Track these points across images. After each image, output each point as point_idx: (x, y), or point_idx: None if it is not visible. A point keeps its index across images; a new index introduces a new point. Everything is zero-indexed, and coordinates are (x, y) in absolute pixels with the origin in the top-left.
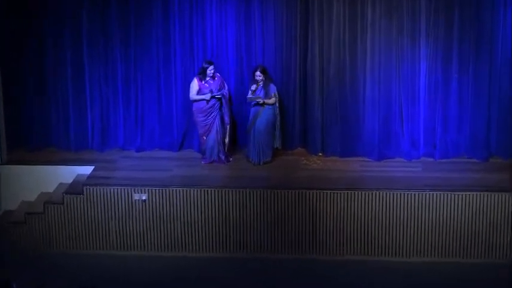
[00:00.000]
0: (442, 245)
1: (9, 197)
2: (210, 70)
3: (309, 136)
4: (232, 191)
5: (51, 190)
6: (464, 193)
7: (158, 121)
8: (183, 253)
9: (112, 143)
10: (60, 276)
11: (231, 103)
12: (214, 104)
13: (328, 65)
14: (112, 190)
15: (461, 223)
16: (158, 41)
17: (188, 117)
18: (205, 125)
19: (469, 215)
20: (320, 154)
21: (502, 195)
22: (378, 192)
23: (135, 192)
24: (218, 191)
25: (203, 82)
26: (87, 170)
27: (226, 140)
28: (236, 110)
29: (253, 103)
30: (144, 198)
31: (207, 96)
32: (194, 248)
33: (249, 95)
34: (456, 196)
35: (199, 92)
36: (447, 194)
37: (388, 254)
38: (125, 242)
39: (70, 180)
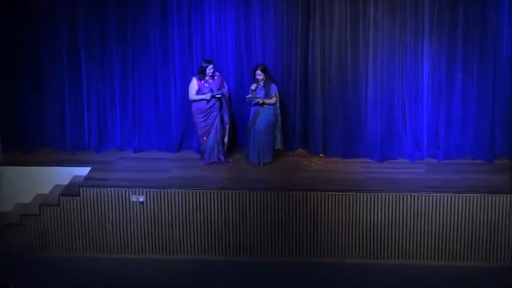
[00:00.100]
0: (445, 248)
1: (4, 199)
2: (210, 69)
3: (309, 136)
4: (231, 192)
5: (47, 192)
6: (468, 195)
7: (156, 121)
8: (182, 256)
9: (109, 144)
10: (56, 280)
11: (231, 102)
12: (214, 104)
13: (330, 64)
14: (109, 192)
15: (465, 225)
16: (156, 40)
17: (187, 117)
18: (206, 126)
19: (473, 217)
20: (321, 155)
21: (506, 197)
22: (380, 194)
23: (132, 194)
24: (217, 192)
25: (202, 82)
26: (84, 171)
27: (226, 139)
28: (236, 110)
29: (253, 102)
30: (141, 200)
31: (207, 96)
32: (193, 251)
33: (249, 95)
34: (460, 198)
35: (198, 92)
36: (451, 196)
37: (391, 257)
38: (122, 244)
39: (66, 182)
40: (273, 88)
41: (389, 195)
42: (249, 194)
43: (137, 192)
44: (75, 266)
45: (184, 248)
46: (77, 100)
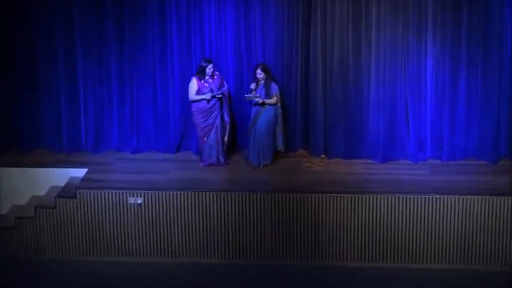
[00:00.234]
0: (449, 251)
1: None
2: (209, 69)
3: (311, 137)
4: (231, 194)
5: (42, 193)
6: (472, 197)
7: (154, 122)
8: (180, 259)
9: (106, 145)
10: (53, 284)
11: (231, 102)
12: (215, 104)
13: (331, 63)
14: (106, 194)
15: (469, 228)
16: (154, 39)
17: (186, 117)
18: (206, 126)
19: (477, 219)
20: (323, 156)
21: (511, 199)
22: (382, 196)
23: (130, 196)
24: (217, 194)
25: (202, 81)
26: (81, 172)
27: (226, 139)
28: (235, 110)
29: (253, 102)
30: (139, 202)
31: (208, 96)
32: (191, 254)
33: (248, 94)
34: (464, 200)
35: (198, 92)
36: (455, 198)
37: (394, 260)
38: (120, 247)
39: (63, 183)
40: (274, 88)
41: (391, 197)
42: (249, 196)
43: (135, 194)
44: (71, 269)
45: (182, 251)
46: (73, 100)
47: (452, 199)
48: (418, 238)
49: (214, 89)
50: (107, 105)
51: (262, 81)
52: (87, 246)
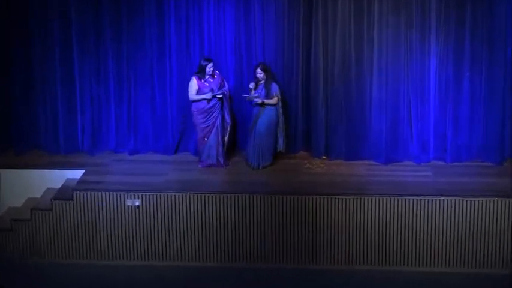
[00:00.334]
0: (453, 254)
1: None
2: (210, 68)
3: (312, 138)
4: (230, 196)
5: (38, 195)
6: (477, 199)
7: (152, 122)
8: (178, 262)
9: (103, 146)
10: (49, 287)
11: (231, 102)
12: (215, 104)
13: (333, 63)
14: (103, 195)
15: (474, 230)
16: (152, 38)
17: (184, 118)
18: (207, 126)
19: (482, 222)
20: (324, 157)
21: None
22: (385, 198)
23: (127, 198)
24: (216, 196)
25: (202, 81)
26: (77, 174)
27: (226, 140)
28: (236, 110)
29: (253, 102)
30: (137, 204)
31: (208, 96)
32: (189, 257)
33: (248, 93)
34: (468, 202)
35: (198, 92)
36: (459, 200)
37: (396, 263)
38: (117, 250)
39: (59, 185)
40: (274, 88)
41: (394, 199)
42: (249, 197)
43: (132, 196)
44: (68, 272)
45: (180, 254)
46: (70, 100)
47: (456, 201)
48: (421, 241)
49: (214, 88)
50: (104, 105)
51: (263, 81)
52: (83, 249)
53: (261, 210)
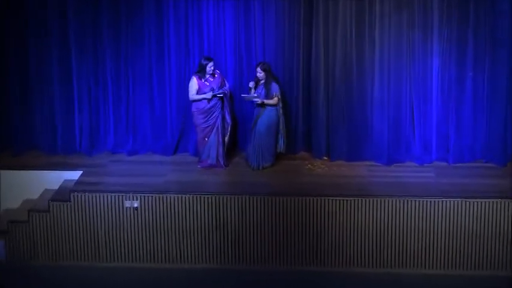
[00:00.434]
0: (456, 257)
1: None
2: (210, 67)
3: (313, 139)
4: (230, 197)
5: (35, 197)
6: (480, 200)
7: (151, 122)
8: (177, 265)
9: (101, 146)
10: None
11: (232, 102)
12: (216, 104)
13: (334, 63)
14: (101, 197)
15: (477, 232)
16: (151, 37)
17: (184, 118)
18: (207, 126)
19: (485, 223)
20: (325, 158)
21: None
22: (387, 199)
23: (126, 199)
24: (215, 197)
25: (203, 80)
26: (75, 175)
27: (226, 140)
28: (236, 110)
29: (254, 102)
30: (136, 205)
31: (209, 95)
32: (189, 259)
33: (248, 93)
34: (472, 204)
35: (199, 91)
36: (462, 202)
37: (398, 265)
38: (115, 252)
39: (56, 186)
40: (274, 88)
41: (396, 201)
42: (249, 199)
43: (131, 198)
44: (65, 275)
45: (179, 256)
46: (68, 100)
47: (459, 203)
48: (423, 243)
49: (215, 88)
50: (102, 105)
51: (263, 81)
52: (81, 251)
53: (261, 212)
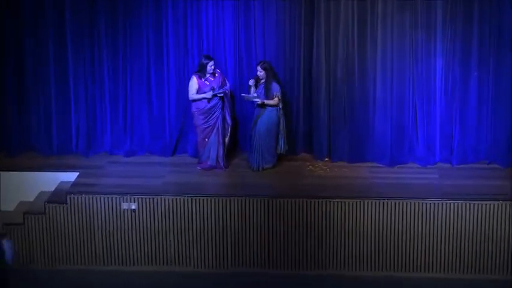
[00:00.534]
0: (460, 260)
1: None
2: (210, 66)
3: (314, 140)
4: (230, 199)
5: (31, 199)
6: (484, 202)
7: (149, 123)
8: (176, 268)
9: (98, 147)
10: None
11: (233, 102)
12: (216, 104)
13: (335, 63)
14: (98, 199)
15: (481, 235)
16: (149, 36)
17: (182, 118)
18: (207, 127)
19: (489, 226)
20: (326, 159)
21: None
22: (390, 202)
23: (123, 201)
24: (215, 199)
25: (203, 80)
26: (71, 176)
27: (227, 141)
28: (236, 111)
29: (254, 102)
30: (133, 207)
31: (209, 95)
32: (188, 262)
33: (248, 91)
34: (475, 206)
35: (199, 91)
36: (465, 204)
37: (401, 269)
38: (113, 256)
39: (52, 188)
40: (275, 88)
41: (399, 203)
42: (249, 201)
43: (128, 200)
44: (62, 278)
45: (178, 259)
46: (64, 100)
47: (463, 205)
48: (426, 246)
49: (215, 87)
50: (98, 105)
51: (263, 80)
52: (78, 254)
53: (261, 214)
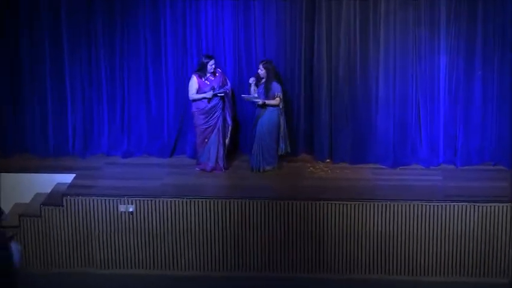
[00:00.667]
0: (464, 263)
1: None
2: (211, 65)
3: (315, 140)
4: (230, 202)
5: (27, 201)
6: (489, 205)
7: (147, 123)
8: (174, 272)
9: (95, 148)
10: None
11: (234, 102)
12: (217, 104)
13: (337, 61)
14: (95, 201)
15: (485, 238)
16: (147, 35)
17: (181, 119)
18: (208, 127)
19: (494, 229)
20: (328, 161)
21: None
22: (392, 204)
23: (121, 203)
24: (214, 201)
25: (203, 79)
26: (68, 178)
27: (227, 142)
28: (237, 111)
29: (255, 103)
30: (131, 210)
31: (209, 94)
32: (187, 265)
33: (248, 92)
34: (480, 208)
35: (199, 91)
36: (470, 206)
37: (404, 272)
38: (110, 259)
39: (48, 190)
40: (276, 88)
41: (402, 205)
42: (249, 203)
43: (126, 202)
44: (58, 282)
45: (177, 262)
46: (60, 100)
47: (467, 207)
48: (430, 249)
49: (216, 87)
50: (95, 105)
51: (264, 79)
52: (74, 258)
53: (261, 216)
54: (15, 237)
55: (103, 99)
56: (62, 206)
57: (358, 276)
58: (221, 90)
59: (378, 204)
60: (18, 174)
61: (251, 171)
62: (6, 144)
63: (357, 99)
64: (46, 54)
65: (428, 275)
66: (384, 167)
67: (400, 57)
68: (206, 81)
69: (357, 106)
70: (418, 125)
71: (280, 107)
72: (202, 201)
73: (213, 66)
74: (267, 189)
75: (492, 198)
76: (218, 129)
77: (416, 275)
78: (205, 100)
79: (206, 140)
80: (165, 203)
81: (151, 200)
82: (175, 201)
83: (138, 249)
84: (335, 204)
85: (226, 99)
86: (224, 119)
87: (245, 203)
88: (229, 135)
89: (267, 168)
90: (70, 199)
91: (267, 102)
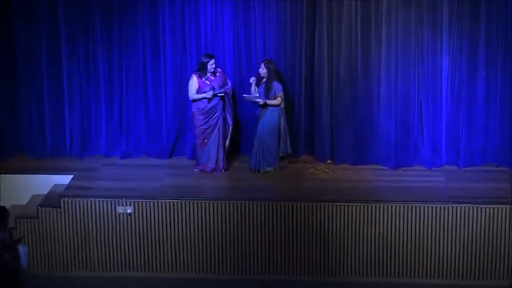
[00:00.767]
0: (467, 265)
1: None
2: (211, 65)
3: (316, 141)
4: (230, 203)
5: (24, 203)
6: (492, 206)
7: (146, 124)
8: (173, 274)
9: (93, 149)
10: None
11: (234, 102)
12: (217, 104)
13: (338, 61)
14: (93, 202)
15: (488, 240)
16: (145, 34)
17: (180, 119)
18: (208, 128)
19: (497, 230)
20: (329, 162)
21: None
22: (394, 205)
23: (119, 205)
24: (214, 203)
25: (203, 79)
26: (65, 179)
27: (227, 142)
28: (237, 112)
29: (256, 103)
30: (129, 211)
31: (209, 94)
32: (185, 268)
33: (249, 92)
34: (483, 210)
35: (199, 91)
36: (473, 207)
37: (406, 275)
38: (108, 261)
39: (45, 191)
40: (277, 88)
41: (404, 206)
42: (249, 205)
43: (124, 203)
44: (55, 285)
45: (176, 265)
46: (57, 101)
47: (470, 208)
48: (433, 251)
49: (216, 86)
50: (93, 106)
51: (264, 79)
52: (72, 260)
53: (261, 218)
54: (22, 239)
55: (101, 99)
56: (60, 207)
57: (362, 279)
58: (221, 90)
59: (379, 206)
60: (15, 175)
61: (250, 172)
62: (3, 145)
63: (358, 99)
64: (43, 54)
65: (431, 277)
66: (385, 168)
67: (402, 57)
68: (206, 81)
69: (358, 106)
70: (420, 125)
71: (282, 106)
72: (202, 203)
73: (213, 65)
74: (267, 190)
75: (495, 199)
76: (218, 129)
77: (420, 277)
78: (205, 100)
79: (206, 141)
80: (164, 205)
81: (149, 202)
82: (174, 202)
83: (136, 251)
84: (336, 205)
85: (226, 99)
86: (225, 119)
87: (245, 204)
88: (229, 136)
89: (268, 169)
90: (68, 200)
91: (269, 102)
